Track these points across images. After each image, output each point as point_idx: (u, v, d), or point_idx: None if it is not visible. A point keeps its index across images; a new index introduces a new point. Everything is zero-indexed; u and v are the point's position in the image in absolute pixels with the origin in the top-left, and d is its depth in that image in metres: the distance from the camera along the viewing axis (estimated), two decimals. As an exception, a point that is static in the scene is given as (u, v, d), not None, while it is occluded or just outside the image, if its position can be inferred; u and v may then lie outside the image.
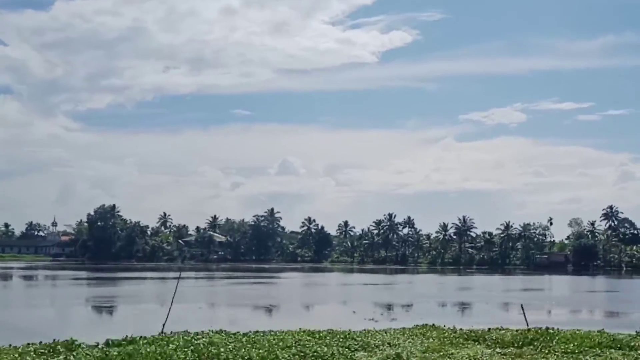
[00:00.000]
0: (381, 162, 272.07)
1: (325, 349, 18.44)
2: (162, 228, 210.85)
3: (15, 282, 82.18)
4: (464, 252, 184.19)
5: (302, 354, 17.51)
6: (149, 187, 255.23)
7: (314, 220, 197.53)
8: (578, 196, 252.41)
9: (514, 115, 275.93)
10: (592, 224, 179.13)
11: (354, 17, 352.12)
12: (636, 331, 23.60)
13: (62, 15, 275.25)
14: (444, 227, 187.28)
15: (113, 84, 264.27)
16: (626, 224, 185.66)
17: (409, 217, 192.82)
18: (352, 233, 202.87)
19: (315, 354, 17.61)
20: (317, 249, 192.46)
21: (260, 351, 17.44)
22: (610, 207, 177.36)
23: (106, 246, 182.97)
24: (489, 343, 20.90)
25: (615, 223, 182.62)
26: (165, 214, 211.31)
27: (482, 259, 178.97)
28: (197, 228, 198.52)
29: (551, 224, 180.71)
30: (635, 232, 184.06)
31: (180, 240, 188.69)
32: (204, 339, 19.21)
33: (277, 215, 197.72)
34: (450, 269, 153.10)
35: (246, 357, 16.72)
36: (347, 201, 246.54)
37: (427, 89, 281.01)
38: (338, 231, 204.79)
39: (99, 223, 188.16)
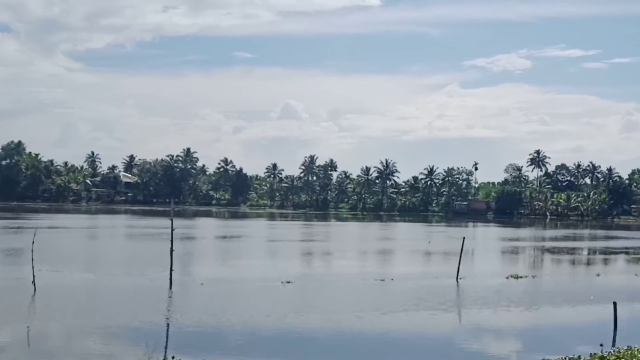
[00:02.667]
0: (384, 107, 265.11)
1: None
2: (90, 168, 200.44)
3: None
4: (388, 197, 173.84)
5: None
6: (151, 130, 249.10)
7: (231, 162, 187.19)
8: (582, 145, 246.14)
9: (519, 62, 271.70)
10: (519, 169, 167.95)
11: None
12: None
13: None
14: (367, 170, 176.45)
15: (112, 24, 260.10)
16: (563, 171, 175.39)
17: (331, 160, 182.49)
18: (281, 176, 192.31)
19: None
20: (234, 191, 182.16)
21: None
22: (537, 152, 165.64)
23: (12, 185, 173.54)
24: None
25: (552, 169, 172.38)
26: (93, 153, 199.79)
27: (403, 205, 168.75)
28: (95, 165, 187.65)
29: (476, 169, 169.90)
30: (571, 179, 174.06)
31: (87, 181, 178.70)
32: None
33: (194, 155, 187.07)
34: (370, 215, 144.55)
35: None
36: (349, 147, 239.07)
37: (431, 34, 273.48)
38: (266, 174, 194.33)
39: (6, 161, 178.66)
